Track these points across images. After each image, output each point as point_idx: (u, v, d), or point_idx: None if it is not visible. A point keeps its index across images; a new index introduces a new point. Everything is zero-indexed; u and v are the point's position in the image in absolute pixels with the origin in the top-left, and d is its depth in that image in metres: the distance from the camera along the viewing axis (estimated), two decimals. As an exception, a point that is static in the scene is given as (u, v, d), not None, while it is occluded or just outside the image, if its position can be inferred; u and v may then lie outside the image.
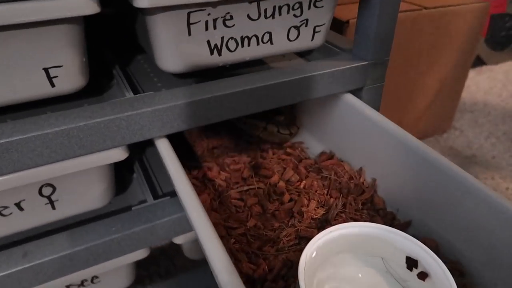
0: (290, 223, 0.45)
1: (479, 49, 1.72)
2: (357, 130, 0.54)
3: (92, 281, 0.53)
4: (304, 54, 0.60)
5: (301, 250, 0.37)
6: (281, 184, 0.50)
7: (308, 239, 0.42)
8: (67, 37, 0.38)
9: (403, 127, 1.27)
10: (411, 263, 0.37)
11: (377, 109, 0.59)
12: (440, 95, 1.20)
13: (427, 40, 1.05)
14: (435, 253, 0.39)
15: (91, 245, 0.47)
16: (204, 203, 0.47)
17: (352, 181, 0.51)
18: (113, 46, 0.63)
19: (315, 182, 0.51)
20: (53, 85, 0.39)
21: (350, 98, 0.55)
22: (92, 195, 0.47)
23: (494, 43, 1.76)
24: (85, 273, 0.50)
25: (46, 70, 0.38)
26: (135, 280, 0.80)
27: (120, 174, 0.59)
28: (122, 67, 0.56)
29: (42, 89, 0.39)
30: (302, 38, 0.51)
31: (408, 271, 0.36)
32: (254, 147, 0.58)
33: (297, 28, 0.49)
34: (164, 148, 0.44)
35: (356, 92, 0.57)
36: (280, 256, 0.41)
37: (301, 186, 0.51)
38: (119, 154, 0.44)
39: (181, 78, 0.52)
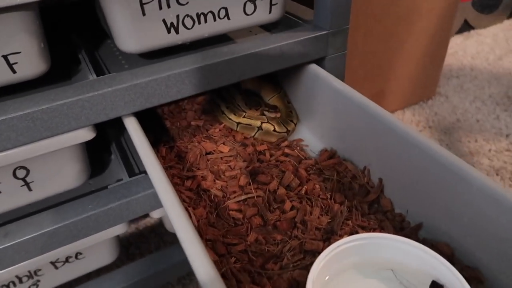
0: (293, 235, 0.43)
1: (466, 13, 1.71)
2: (324, 101, 0.55)
3: (76, 257, 0.56)
4: (269, 28, 0.62)
5: (306, 267, 0.36)
6: (281, 190, 0.48)
7: (313, 253, 0.41)
8: (22, 23, 0.39)
9: (386, 95, 1.28)
10: (436, 286, 0.36)
11: (342, 77, 0.60)
12: (422, 62, 1.20)
13: (405, 6, 1.05)
14: (450, 259, 0.39)
15: (70, 222, 0.50)
16: (200, 217, 0.45)
17: (356, 181, 0.49)
18: (84, 33, 0.64)
19: (317, 185, 0.49)
20: (14, 71, 0.41)
21: (314, 68, 0.57)
22: (66, 176, 0.50)
23: (481, 6, 1.74)
24: (68, 250, 0.53)
25: (5, 57, 0.40)
26: (127, 257, 0.83)
27: (98, 156, 0.61)
28: (91, 51, 0.57)
29: (4, 76, 0.41)
30: (259, 12, 0.52)
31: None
32: (250, 149, 0.55)
33: (253, 2, 0.51)
34: (131, 125, 0.46)
35: (319, 62, 0.58)
36: (285, 275, 0.39)
37: (302, 191, 0.48)
38: (86, 134, 0.46)
39: (148, 58, 0.54)
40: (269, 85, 0.63)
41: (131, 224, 0.91)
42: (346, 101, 0.51)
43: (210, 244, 0.42)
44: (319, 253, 0.37)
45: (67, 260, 0.56)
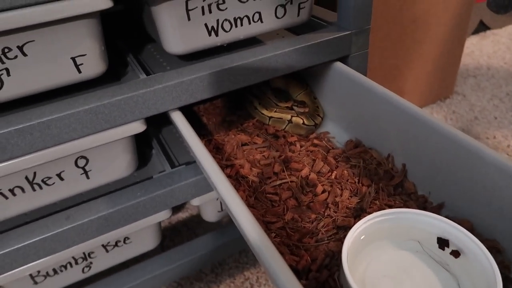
0: (326, 214, 0.47)
1: (481, 14, 1.73)
2: (349, 95, 0.60)
3: (124, 242, 0.62)
4: (295, 30, 0.67)
5: (340, 240, 0.40)
6: (313, 176, 0.52)
7: (345, 228, 0.44)
8: (87, 29, 0.46)
9: (404, 95, 1.32)
10: (443, 242, 0.40)
11: (364, 73, 0.65)
12: (439, 61, 1.24)
13: (421, 8, 1.09)
14: (471, 233, 0.42)
15: (122, 207, 0.55)
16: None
17: (381, 167, 0.53)
18: (127, 39, 0.71)
19: (345, 171, 0.53)
20: (79, 71, 0.47)
21: (339, 65, 0.62)
22: (118, 165, 0.55)
23: (496, 6, 1.76)
24: (119, 233, 0.58)
25: (73, 59, 0.46)
26: (162, 249, 0.89)
27: (141, 150, 0.67)
28: (134, 55, 0.64)
29: (72, 75, 0.47)
30: (288, 15, 0.57)
31: (445, 251, 0.40)
32: (281, 141, 0.60)
33: (283, 6, 0.56)
34: (178, 118, 0.52)
35: (343, 60, 0.63)
36: (321, 247, 0.43)
37: (332, 176, 0.52)
38: (138, 127, 0.51)
39: (186, 60, 0.59)
40: (296, 83, 0.68)
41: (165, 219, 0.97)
42: (369, 94, 0.55)
43: (251, 222, 0.47)
44: (351, 228, 0.42)
45: (116, 244, 0.61)
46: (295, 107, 0.64)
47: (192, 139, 0.47)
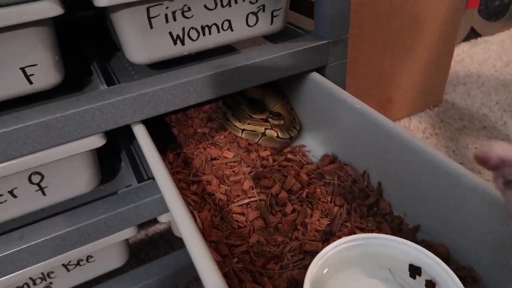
0: (294, 236, 0.44)
1: (473, 21, 1.71)
2: (325, 108, 0.57)
3: (87, 260, 0.58)
4: (272, 38, 0.64)
5: (306, 267, 0.36)
6: (283, 194, 0.50)
7: (313, 253, 0.42)
8: (38, 38, 0.42)
9: (393, 103, 1.30)
10: (414, 270, 0.37)
11: (343, 84, 0.62)
12: (428, 70, 1.21)
13: (409, 15, 1.07)
14: (446, 259, 0.40)
15: (81, 225, 0.52)
16: (204, 220, 0.47)
17: (356, 185, 0.50)
18: (97, 46, 0.67)
19: (318, 189, 0.50)
20: (30, 82, 0.44)
21: (316, 76, 0.59)
22: (78, 181, 0.52)
23: (488, 13, 1.74)
24: (80, 253, 0.55)
25: (22, 69, 0.43)
26: (137, 263, 0.85)
27: (109, 162, 0.64)
28: (103, 63, 0.60)
29: (22, 87, 0.44)
30: (261, 23, 0.54)
31: (418, 280, 0.37)
32: (253, 155, 0.57)
33: (255, 14, 0.53)
34: (140, 133, 0.49)
35: (320, 70, 0.60)
36: (285, 274, 0.40)
37: (304, 195, 0.50)
38: (97, 141, 0.48)
39: (156, 68, 0.56)
40: (273, 93, 0.66)
41: (141, 231, 0.93)
42: (345, 107, 0.52)
43: (213, 245, 0.44)
44: (318, 253, 0.39)
45: (78, 263, 0.58)
46: (270, 119, 0.61)
47: (151, 156, 0.44)
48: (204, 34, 0.51)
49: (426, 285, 0.37)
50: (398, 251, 0.39)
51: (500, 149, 0.29)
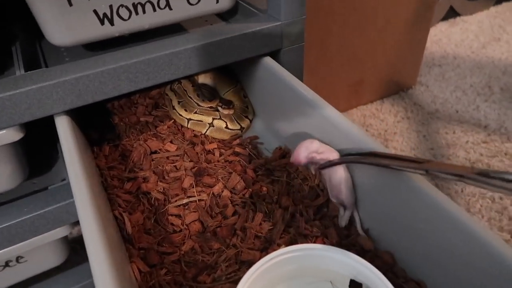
0: (231, 243, 0.41)
1: (452, -1, 1.67)
2: (278, 96, 0.52)
3: (17, 261, 0.54)
4: (225, 17, 0.58)
5: (238, 281, 0.33)
6: (226, 193, 0.45)
7: (249, 263, 0.38)
8: None
9: (365, 86, 1.25)
10: (355, 286, 0.34)
11: (300, 71, 0.57)
12: (402, 50, 1.17)
13: (382, -7, 1.01)
14: (391, 267, 0.37)
15: (2, 227, 0.47)
16: (136, 223, 0.42)
17: (306, 183, 0.46)
18: (28, 23, 0.60)
19: (264, 188, 0.46)
20: None
21: (268, 61, 0.53)
22: (-3, 178, 0.46)
23: (467, -8, 1.70)
24: (7, 254, 0.50)
25: None
26: (84, 258, 0.80)
27: (47, 153, 0.58)
28: (32, 43, 0.54)
29: None
30: (204, 2, 0.48)
31: None
32: (198, 149, 0.52)
33: (196, -10, 0.47)
34: (61, 126, 0.43)
35: (274, 55, 0.55)
36: None
37: (247, 194, 0.46)
38: (12, 135, 0.42)
39: (92, 50, 0.50)
40: (225, 79, 0.60)
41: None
42: (297, 98, 0.48)
43: (142, 253, 0.40)
44: (255, 263, 0.35)
45: (7, 264, 0.53)
46: (219, 108, 0.56)
47: (69, 156, 0.39)
48: (137, 13, 0.45)
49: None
50: (338, 263, 0.35)
51: (305, 153, 0.41)
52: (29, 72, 0.43)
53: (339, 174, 0.40)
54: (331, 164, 0.40)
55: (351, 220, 0.42)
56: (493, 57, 1.42)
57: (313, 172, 0.45)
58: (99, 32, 0.44)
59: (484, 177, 0.27)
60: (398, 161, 0.34)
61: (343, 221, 0.41)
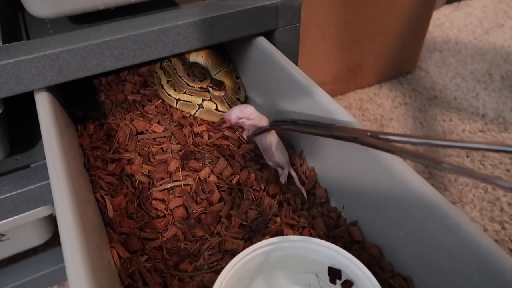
0: (215, 231, 0.39)
1: (457, -18, 1.62)
2: (270, 78, 0.50)
3: (-1, 239, 0.53)
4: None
5: (220, 271, 0.32)
6: (212, 178, 0.44)
7: (233, 253, 0.37)
8: None
9: (363, 69, 1.23)
10: (334, 273, 0.34)
11: (295, 52, 0.55)
12: (403, 34, 1.14)
13: (386, -27, 0.98)
14: (379, 262, 0.36)
15: (-18, 204, 0.45)
16: (118, 207, 0.41)
17: (293, 167, 0.45)
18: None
19: (252, 174, 0.45)
20: None
21: (261, 41, 0.51)
22: (-25, 154, 0.45)
23: (474, -25, 1.65)
24: (-13, 232, 0.49)
25: None
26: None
27: (30, 131, 0.56)
28: (15, 13, 0.51)
29: None
30: (196, -25, 0.46)
31: (337, 284, 0.34)
32: (187, 131, 0.50)
33: (187, -37, 0.44)
34: (41, 103, 0.41)
35: (269, 35, 0.52)
36: (197, 278, 0.35)
37: (234, 181, 0.44)
38: (-12, 110, 0.41)
39: (78, 23, 0.48)
40: (217, 58, 0.58)
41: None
42: (290, 81, 0.46)
43: (123, 238, 0.39)
44: (239, 253, 0.34)
45: (-12, 242, 0.52)
46: (210, 89, 0.53)
47: (47, 135, 0.37)
48: (123, -15, 0.43)
49: (343, 286, 0.33)
50: (322, 255, 0.34)
51: (237, 114, 0.41)
52: (7, 44, 0.41)
53: (268, 139, 0.42)
54: (261, 130, 0.42)
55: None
56: (496, 44, 1.39)
57: (245, 138, 0.47)
58: (82, 4, 0.42)
59: (374, 138, 0.32)
60: (310, 128, 0.38)
61: (282, 179, 0.44)
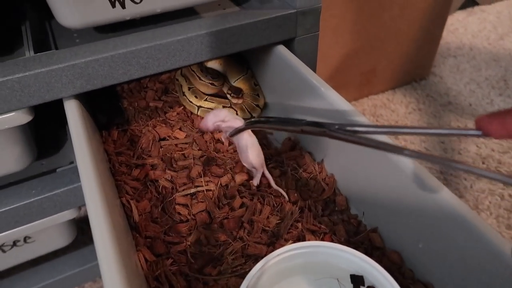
0: (238, 236, 0.40)
1: (471, -13, 1.62)
2: (289, 86, 0.51)
3: (25, 241, 0.54)
4: (239, 1, 0.57)
5: (244, 275, 0.33)
6: (233, 184, 0.45)
7: (256, 258, 0.38)
8: None
9: (377, 75, 1.23)
10: (357, 280, 0.34)
11: (313, 60, 0.56)
12: (417, 40, 1.14)
13: (400, -20, 0.98)
14: (399, 268, 0.36)
15: (11, 208, 0.47)
16: (143, 211, 0.42)
17: (312, 176, 0.46)
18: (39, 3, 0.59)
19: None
20: None
21: (281, 49, 0.52)
22: (5, 159, 0.46)
23: (488, -20, 1.64)
24: (14, 234, 0.50)
25: None
26: (91, 239, 0.81)
27: (55, 136, 0.58)
28: (42, 24, 0.53)
29: None
30: (218, -14, 0.47)
31: None
32: (208, 137, 0.51)
33: (210, -26, 0.45)
34: (70, 110, 0.43)
35: (288, 43, 0.53)
36: (222, 282, 0.36)
37: (255, 186, 0.45)
38: (20, 117, 0.42)
39: (103, 32, 0.49)
40: (236, 66, 0.59)
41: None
42: (309, 89, 0.47)
43: (149, 241, 0.40)
44: (262, 257, 0.35)
45: (14, 244, 0.54)
46: (229, 97, 0.55)
47: (77, 140, 0.38)
48: (149, -4, 0.44)
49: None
50: (344, 261, 0.35)
51: (212, 120, 0.42)
52: (38, 54, 0.43)
53: (244, 139, 0.43)
54: (237, 131, 0.42)
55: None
56: (510, 49, 1.38)
57: (224, 141, 0.48)
58: (109, 15, 0.43)
59: (341, 130, 0.32)
60: (282, 124, 0.38)
61: (255, 181, 0.45)
